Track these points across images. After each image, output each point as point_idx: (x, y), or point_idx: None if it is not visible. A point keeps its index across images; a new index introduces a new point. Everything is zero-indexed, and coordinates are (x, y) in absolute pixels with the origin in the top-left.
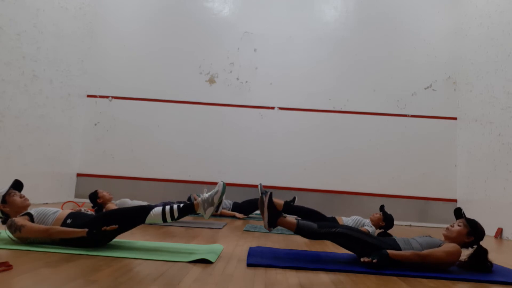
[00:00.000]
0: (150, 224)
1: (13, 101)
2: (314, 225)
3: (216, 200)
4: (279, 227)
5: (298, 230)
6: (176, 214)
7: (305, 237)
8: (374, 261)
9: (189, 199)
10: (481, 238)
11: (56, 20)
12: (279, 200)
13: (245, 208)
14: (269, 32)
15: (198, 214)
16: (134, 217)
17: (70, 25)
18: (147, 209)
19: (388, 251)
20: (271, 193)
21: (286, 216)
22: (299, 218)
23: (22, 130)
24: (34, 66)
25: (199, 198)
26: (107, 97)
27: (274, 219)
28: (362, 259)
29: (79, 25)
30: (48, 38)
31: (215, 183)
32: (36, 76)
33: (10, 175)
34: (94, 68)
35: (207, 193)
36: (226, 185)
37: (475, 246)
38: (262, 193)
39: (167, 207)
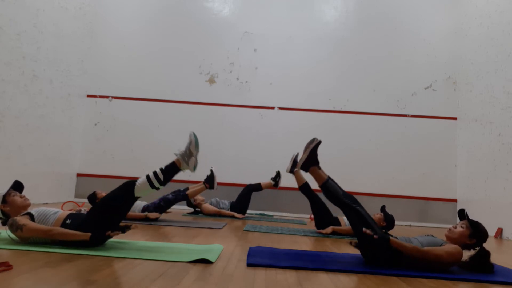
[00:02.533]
0: (138, 196)
1: (13, 101)
2: (340, 191)
3: (193, 150)
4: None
5: (325, 186)
6: (161, 176)
7: (326, 195)
8: (374, 236)
9: (189, 200)
10: (484, 241)
11: (56, 20)
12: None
13: (242, 205)
14: (269, 32)
15: (183, 171)
16: (123, 196)
17: (70, 25)
18: (131, 183)
19: (390, 238)
20: (320, 141)
21: (321, 168)
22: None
23: (22, 130)
24: (34, 66)
25: (178, 155)
26: (107, 97)
27: (310, 163)
28: (364, 229)
29: (79, 25)
30: (48, 38)
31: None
32: (36, 76)
33: (10, 175)
34: (94, 68)
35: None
36: (197, 136)
37: (477, 248)
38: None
39: (151, 173)
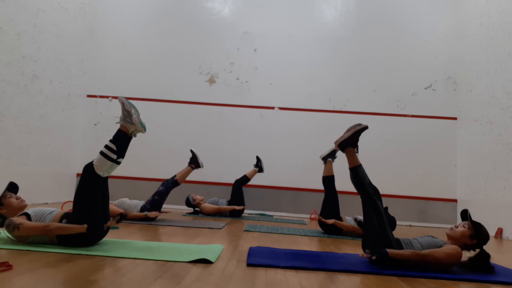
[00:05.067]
0: (105, 175)
1: (13, 101)
2: (367, 180)
3: (129, 109)
4: None
5: (355, 169)
6: (113, 146)
7: (353, 179)
8: (373, 258)
9: (188, 199)
10: (485, 242)
11: (56, 20)
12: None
13: (237, 200)
14: (269, 32)
15: (134, 136)
16: (89, 182)
17: (70, 25)
18: (89, 165)
19: (388, 250)
20: (367, 127)
21: (358, 152)
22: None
23: (22, 130)
24: (34, 66)
25: (119, 122)
26: (107, 97)
27: (349, 143)
28: (361, 254)
29: (79, 25)
30: (48, 38)
31: (215, 183)
32: (36, 76)
33: (10, 175)
34: (94, 68)
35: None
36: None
37: (477, 250)
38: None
39: (103, 147)
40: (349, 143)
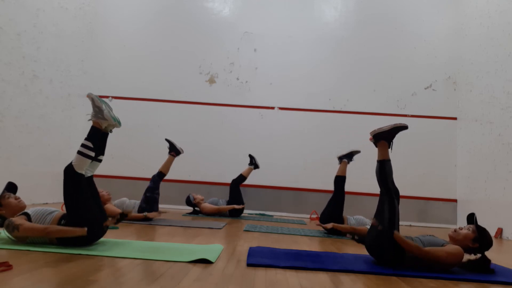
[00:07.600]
0: (87, 173)
1: (13, 101)
2: (391, 177)
3: (99, 104)
4: None
5: (383, 162)
6: (88, 143)
7: (378, 171)
8: (379, 227)
9: (188, 198)
10: (487, 248)
11: (56, 20)
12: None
13: (235, 199)
14: (269, 32)
15: (110, 132)
16: (73, 184)
17: (70, 25)
18: (69, 166)
19: (395, 232)
20: (407, 127)
21: (391, 149)
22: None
23: (22, 130)
24: (34, 66)
25: (91, 118)
26: (107, 97)
27: (384, 137)
28: (372, 221)
29: (79, 25)
30: (48, 38)
31: (215, 183)
32: (36, 76)
33: (10, 175)
34: (94, 68)
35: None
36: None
37: (478, 254)
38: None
39: (79, 146)
40: (385, 135)
